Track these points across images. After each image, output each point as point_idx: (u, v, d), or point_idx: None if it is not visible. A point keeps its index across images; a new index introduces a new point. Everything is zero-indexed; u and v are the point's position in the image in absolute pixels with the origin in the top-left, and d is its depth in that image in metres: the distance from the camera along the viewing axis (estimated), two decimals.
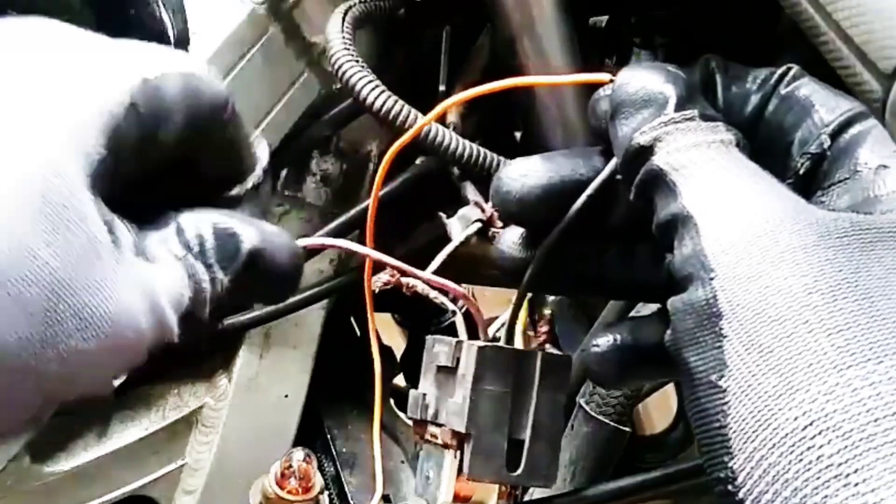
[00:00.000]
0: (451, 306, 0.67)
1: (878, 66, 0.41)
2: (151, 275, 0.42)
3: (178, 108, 0.42)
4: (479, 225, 0.81)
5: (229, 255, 0.44)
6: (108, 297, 0.39)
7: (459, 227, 0.86)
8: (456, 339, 0.59)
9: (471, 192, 0.90)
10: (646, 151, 0.45)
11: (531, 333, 0.96)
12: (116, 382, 0.43)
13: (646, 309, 0.76)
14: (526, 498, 0.90)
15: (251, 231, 0.45)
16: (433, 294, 0.66)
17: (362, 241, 0.62)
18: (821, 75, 0.50)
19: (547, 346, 0.80)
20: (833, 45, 0.44)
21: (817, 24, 0.45)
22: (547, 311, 0.92)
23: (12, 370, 0.36)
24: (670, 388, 1.07)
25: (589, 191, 0.50)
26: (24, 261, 0.36)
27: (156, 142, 0.42)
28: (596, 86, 0.52)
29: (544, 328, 0.75)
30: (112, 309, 0.39)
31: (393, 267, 0.58)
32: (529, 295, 0.71)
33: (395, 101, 0.81)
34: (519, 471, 0.57)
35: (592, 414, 0.99)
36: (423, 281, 0.59)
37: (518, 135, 1.04)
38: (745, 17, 0.81)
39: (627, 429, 1.01)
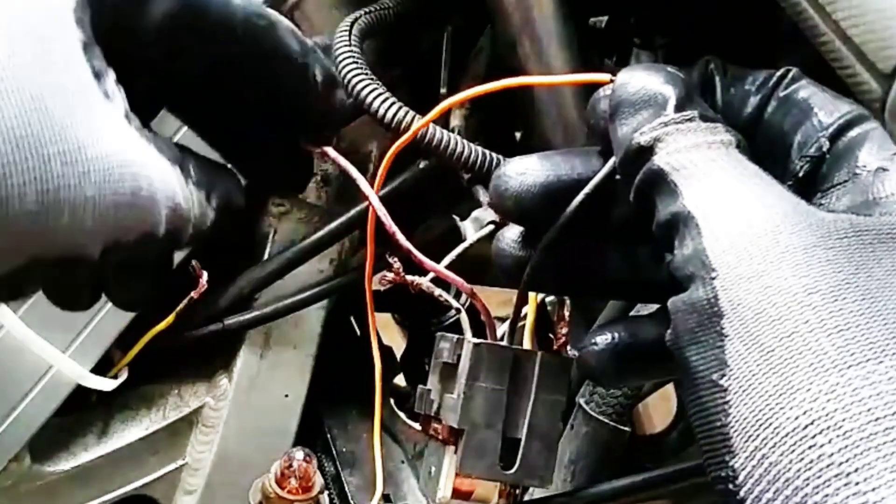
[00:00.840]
0: (455, 304, 0.68)
1: (877, 67, 0.41)
2: (144, 152, 0.43)
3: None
4: (492, 227, 0.82)
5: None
6: (96, 141, 0.40)
7: (473, 228, 0.86)
8: (458, 337, 0.59)
9: (482, 194, 0.90)
10: (646, 152, 0.45)
11: (551, 335, 0.96)
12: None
13: (645, 310, 0.76)
14: (526, 497, 0.90)
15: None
16: (438, 292, 0.67)
17: (362, 241, 0.63)
18: (820, 76, 0.50)
19: (568, 347, 0.80)
20: (833, 46, 0.45)
21: (817, 24, 0.45)
22: (566, 312, 0.92)
23: None
24: (670, 388, 1.07)
25: (587, 189, 0.50)
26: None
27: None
28: (595, 86, 0.52)
29: (564, 329, 0.75)
30: (99, 154, 0.40)
31: (416, 259, 0.58)
32: (541, 296, 0.71)
33: (393, 103, 0.81)
34: (513, 469, 0.57)
35: (592, 414, 0.99)
36: (437, 273, 0.59)
37: (518, 135, 1.04)
38: (746, 18, 0.81)
39: (627, 429, 1.01)
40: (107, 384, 0.92)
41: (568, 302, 0.66)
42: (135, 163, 0.43)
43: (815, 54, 0.48)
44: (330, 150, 0.59)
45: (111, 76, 0.43)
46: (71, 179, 0.40)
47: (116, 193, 0.42)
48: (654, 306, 0.54)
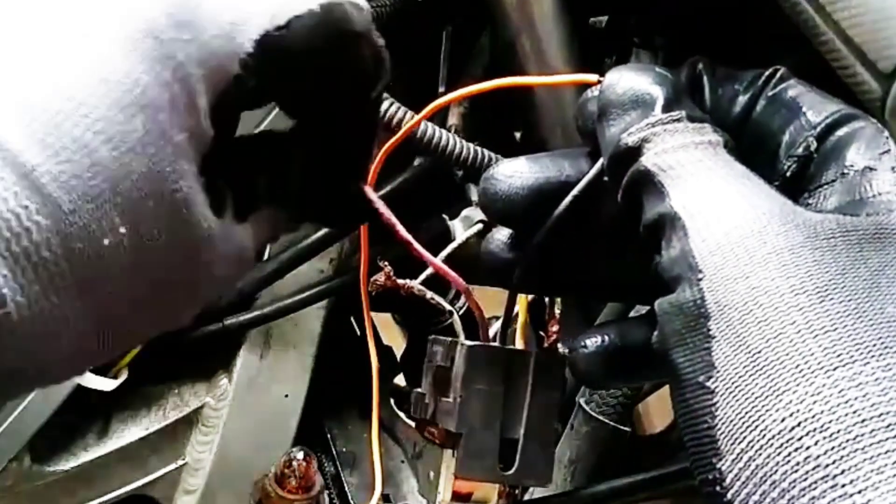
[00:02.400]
0: (447, 307, 0.67)
1: (877, 67, 0.41)
2: (243, 235, 0.46)
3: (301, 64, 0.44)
4: (480, 226, 0.82)
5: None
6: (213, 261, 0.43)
7: (462, 227, 0.86)
8: (451, 339, 0.59)
9: (475, 193, 0.90)
10: (633, 152, 0.45)
11: (542, 333, 0.96)
12: None
13: (644, 310, 0.76)
14: (526, 497, 0.90)
15: None
16: (429, 295, 0.66)
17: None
18: (820, 76, 0.50)
19: (559, 345, 0.80)
20: (833, 45, 0.44)
21: (817, 24, 0.45)
22: (557, 311, 0.92)
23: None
24: None
25: (575, 191, 0.50)
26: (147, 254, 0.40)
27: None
28: (588, 86, 0.52)
29: (555, 328, 0.75)
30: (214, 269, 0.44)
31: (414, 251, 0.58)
32: (531, 296, 0.71)
33: (391, 103, 0.81)
34: (512, 470, 0.57)
35: (592, 414, 0.99)
36: (434, 267, 0.59)
37: (518, 135, 1.04)
38: (745, 18, 0.81)
39: (627, 429, 1.01)
40: (107, 384, 0.92)
41: (559, 301, 0.66)
42: (238, 255, 0.46)
43: (813, 54, 0.48)
44: None
45: (225, 193, 0.45)
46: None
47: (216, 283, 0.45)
48: (648, 308, 0.54)
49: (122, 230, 0.38)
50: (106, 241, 0.38)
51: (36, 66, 0.37)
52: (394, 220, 0.54)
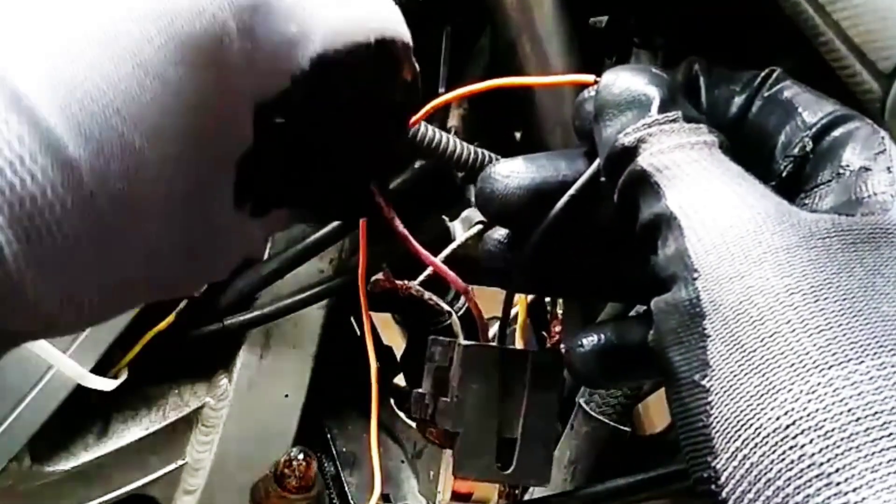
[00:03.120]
0: (446, 308, 0.67)
1: (877, 66, 0.41)
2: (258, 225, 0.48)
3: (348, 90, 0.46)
4: (480, 227, 0.82)
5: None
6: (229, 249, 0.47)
7: (462, 228, 0.87)
8: (450, 340, 0.59)
9: (473, 194, 0.90)
10: (629, 153, 0.45)
11: (544, 333, 0.96)
12: None
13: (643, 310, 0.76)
14: (526, 497, 0.90)
15: None
16: (427, 296, 0.66)
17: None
18: (819, 76, 0.50)
19: (561, 346, 0.80)
20: (833, 45, 0.45)
21: (817, 24, 0.45)
22: (560, 311, 0.92)
23: None
24: None
25: (571, 191, 0.50)
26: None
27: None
28: (585, 86, 0.52)
29: (558, 328, 0.75)
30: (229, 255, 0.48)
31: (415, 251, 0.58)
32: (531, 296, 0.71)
33: None
34: (510, 469, 0.57)
35: (592, 414, 0.99)
36: (433, 267, 0.59)
37: (518, 135, 1.04)
38: (744, 18, 0.81)
39: (627, 429, 1.01)
40: (107, 384, 0.92)
41: (561, 301, 0.66)
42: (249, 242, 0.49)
43: (813, 54, 0.48)
44: None
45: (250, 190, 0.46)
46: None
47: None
48: (646, 307, 0.54)
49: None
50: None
51: (84, 59, 0.38)
52: (395, 218, 0.54)
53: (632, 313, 0.87)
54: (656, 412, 1.15)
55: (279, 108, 0.44)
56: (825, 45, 0.46)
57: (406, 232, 0.54)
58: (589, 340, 0.52)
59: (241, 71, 0.41)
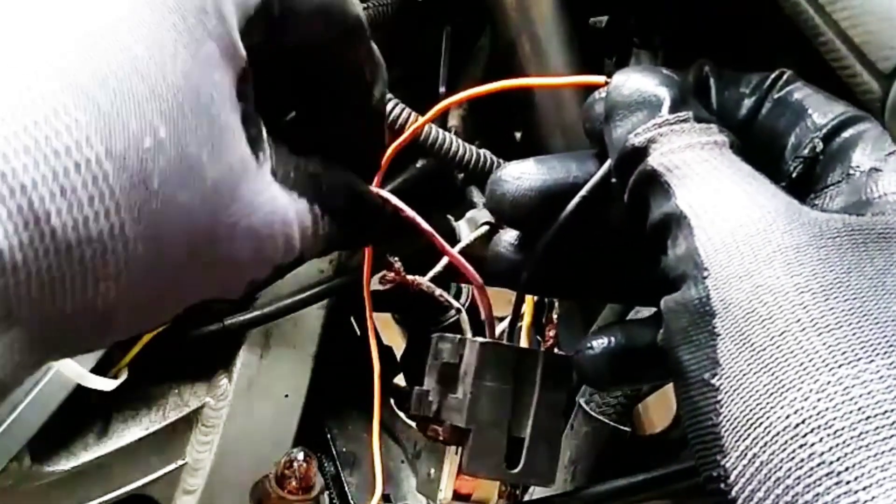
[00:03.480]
0: (455, 304, 0.68)
1: (877, 67, 0.41)
2: (286, 202, 0.45)
3: (307, 19, 0.44)
4: (486, 227, 0.82)
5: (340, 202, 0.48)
6: (253, 212, 0.42)
7: (468, 229, 0.87)
8: (460, 336, 0.59)
9: (477, 195, 0.90)
10: (640, 153, 0.45)
11: (539, 337, 0.96)
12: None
13: (644, 312, 0.76)
14: (526, 497, 0.90)
15: (355, 181, 0.50)
16: (438, 292, 0.67)
17: None
18: (819, 76, 0.50)
19: (555, 350, 0.80)
20: (833, 46, 0.45)
21: (817, 24, 0.45)
22: (555, 315, 0.93)
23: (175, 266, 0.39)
24: (670, 388, 1.06)
25: (583, 192, 0.51)
26: (188, 171, 0.38)
27: (280, 49, 0.44)
28: (593, 87, 0.52)
29: (552, 332, 0.75)
30: (255, 224, 0.42)
31: (434, 241, 0.57)
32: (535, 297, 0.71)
33: (395, 103, 0.82)
34: (518, 469, 0.57)
35: (592, 414, 0.99)
36: (452, 259, 0.59)
37: (518, 136, 1.04)
38: (744, 18, 0.81)
39: (627, 429, 1.01)
40: (107, 384, 0.92)
41: (556, 304, 0.66)
42: (282, 223, 0.45)
43: (813, 54, 0.48)
44: None
45: (263, 136, 0.44)
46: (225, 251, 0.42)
47: (264, 254, 0.45)
48: (653, 308, 0.54)
49: (163, 133, 0.37)
50: (147, 143, 0.37)
51: None
52: (415, 215, 0.54)
53: (630, 315, 0.87)
54: (656, 412, 1.15)
55: (261, 27, 0.43)
56: (825, 45, 0.46)
57: (431, 229, 0.54)
58: (599, 343, 0.52)
59: None
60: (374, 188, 0.54)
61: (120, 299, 0.37)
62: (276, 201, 0.44)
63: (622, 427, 1.00)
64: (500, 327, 0.61)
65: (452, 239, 0.85)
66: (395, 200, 0.54)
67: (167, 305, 0.42)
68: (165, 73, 0.38)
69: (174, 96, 0.38)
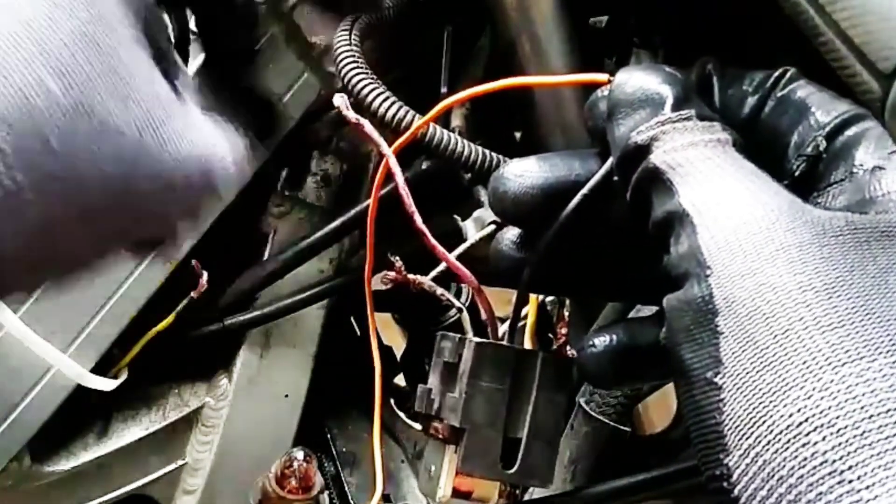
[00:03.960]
0: (457, 304, 0.68)
1: (877, 67, 0.41)
2: (217, 139, 0.46)
3: None
4: (493, 227, 0.82)
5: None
6: (182, 148, 0.42)
7: (474, 228, 0.87)
8: (459, 336, 0.59)
9: (483, 194, 0.90)
10: (643, 150, 0.45)
11: (550, 335, 0.96)
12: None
13: (645, 310, 0.76)
14: (526, 497, 0.90)
15: None
16: (439, 291, 0.67)
17: (362, 241, 0.63)
18: (819, 76, 0.50)
19: (567, 348, 0.80)
20: (833, 46, 0.45)
21: (817, 24, 0.45)
22: (566, 313, 0.93)
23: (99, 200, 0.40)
24: (670, 388, 1.06)
25: (584, 190, 0.50)
26: (96, 122, 0.39)
27: None
28: (594, 86, 0.52)
29: (563, 330, 0.76)
30: (182, 157, 0.43)
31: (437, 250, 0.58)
32: (542, 296, 0.71)
33: (394, 103, 0.82)
34: (514, 469, 0.57)
35: (592, 414, 0.99)
36: (447, 263, 0.59)
37: (518, 135, 1.04)
38: (745, 18, 0.81)
39: (627, 429, 1.01)
40: (107, 384, 0.92)
41: (568, 302, 0.66)
42: (214, 155, 0.45)
43: (813, 54, 0.48)
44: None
45: (181, 70, 0.45)
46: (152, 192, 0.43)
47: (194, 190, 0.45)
48: (655, 307, 0.54)
49: (54, 86, 0.37)
50: (36, 100, 0.37)
51: None
52: (415, 212, 0.54)
53: (632, 314, 0.87)
54: (656, 412, 1.15)
55: None
56: (825, 45, 0.46)
57: (424, 227, 0.54)
58: (601, 341, 0.52)
59: None
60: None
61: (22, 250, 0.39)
62: (203, 131, 0.45)
63: (622, 427, 1.00)
64: (504, 328, 0.61)
65: (459, 239, 0.85)
66: (406, 196, 0.54)
67: (84, 251, 0.43)
68: (57, 30, 0.38)
69: (68, 50, 0.38)
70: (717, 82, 0.51)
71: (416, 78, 0.99)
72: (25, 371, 0.90)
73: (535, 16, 0.88)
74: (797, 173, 0.48)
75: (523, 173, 0.52)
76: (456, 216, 0.94)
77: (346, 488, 1.06)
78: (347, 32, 0.85)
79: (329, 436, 1.09)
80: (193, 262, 0.89)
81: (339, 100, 0.60)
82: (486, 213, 0.85)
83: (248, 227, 1.00)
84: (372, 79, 0.83)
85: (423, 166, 0.93)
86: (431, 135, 0.82)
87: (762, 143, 0.49)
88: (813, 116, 0.48)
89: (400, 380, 1.20)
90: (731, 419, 0.38)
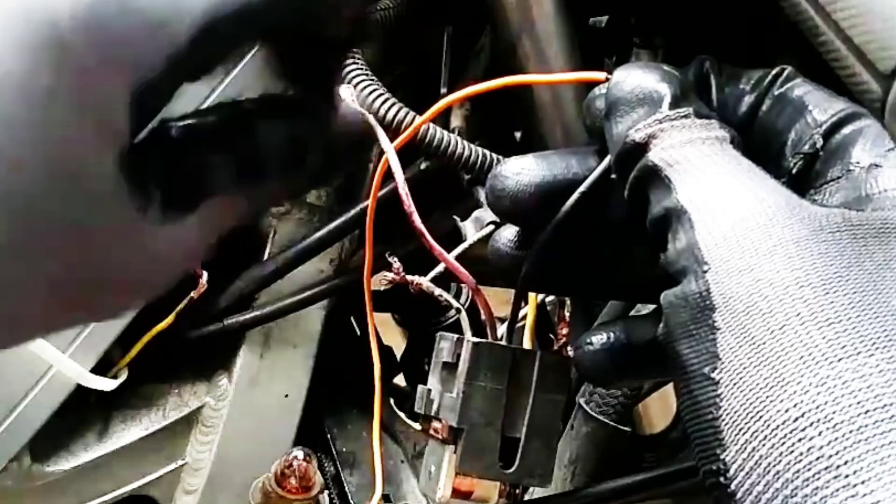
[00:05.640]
0: (455, 304, 0.68)
1: (877, 67, 0.42)
2: (177, 236, 0.42)
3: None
4: (492, 227, 0.82)
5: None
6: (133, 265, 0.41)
7: (473, 228, 0.87)
8: (457, 336, 0.59)
9: (482, 194, 0.90)
10: (640, 148, 0.45)
11: (551, 335, 0.96)
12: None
13: (645, 310, 0.76)
14: (526, 497, 0.90)
15: None
16: (438, 292, 0.67)
17: (362, 241, 0.63)
18: (819, 76, 0.50)
19: (569, 348, 0.80)
20: (833, 46, 0.45)
21: (817, 24, 0.45)
22: (567, 313, 0.92)
23: None
24: (670, 388, 1.06)
25: (582, 188, 0.50)
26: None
27: None
28: (592, 84, 0.52)
29: (564, 329, 0.76)
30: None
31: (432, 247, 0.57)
32: (541, 296, 0.71)
33: (393, 103, 0.82)
34: (512, 469, 0.57)
35: (592, 414, 0.99)
36: (445, 262, 0.59)
37: (518, 134, 1.04)
38: (744, 18, 0.81)
39: (627, 428, 1.01)
40: (107, 384, 0.92)
41: (568, 302, 0.66)
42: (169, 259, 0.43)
43: (813, 54, 0.48)
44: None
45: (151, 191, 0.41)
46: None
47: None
48: (653, 306, 0.54)
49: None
50: None
51: None
52: (414, 212, 0.54)
53: (632, 313, 0.87)
54: (656, 412, 1.15)
55: (160, 92, 0.40)
56: (825, 45, 0.46)
57: (423, 227, 0.54)
58: (598, 339, 0.52)
59: (97, 61, 0.37)
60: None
61: None
62: (165, 236, 0.42)
63: (622, 427, 1.00)
64: (504, 328, 0.61)
65: (458, 239, 0.85)
66: (405, 195, 0.54)
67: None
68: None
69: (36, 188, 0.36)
70: (714, 80, 0.51)
71: (416, 78, 0.99)
72: (25, 371, 0.90)
73: (536, 16, 0.88)
74: (794, 171, 0.48)
75: (521, 171, 0.52)
76: (455, 216, 0.94)
77: (346, 488, 1.06)
78: None
79: (329, 436, 1.09)
80: None
81: (346, 91, 0.60)
82: (485, 214, 0.85)
83: (248, 227, 1.00)
84: (371, 79, 0.83)
85: (423, 167, 0.93)
86: (431, 135, 0.83)
87: (760, 141, 0.49)
88: (810, 114, 0.48)
89: (400, 380, 1.20)
90: (728, 414, 0.38)
